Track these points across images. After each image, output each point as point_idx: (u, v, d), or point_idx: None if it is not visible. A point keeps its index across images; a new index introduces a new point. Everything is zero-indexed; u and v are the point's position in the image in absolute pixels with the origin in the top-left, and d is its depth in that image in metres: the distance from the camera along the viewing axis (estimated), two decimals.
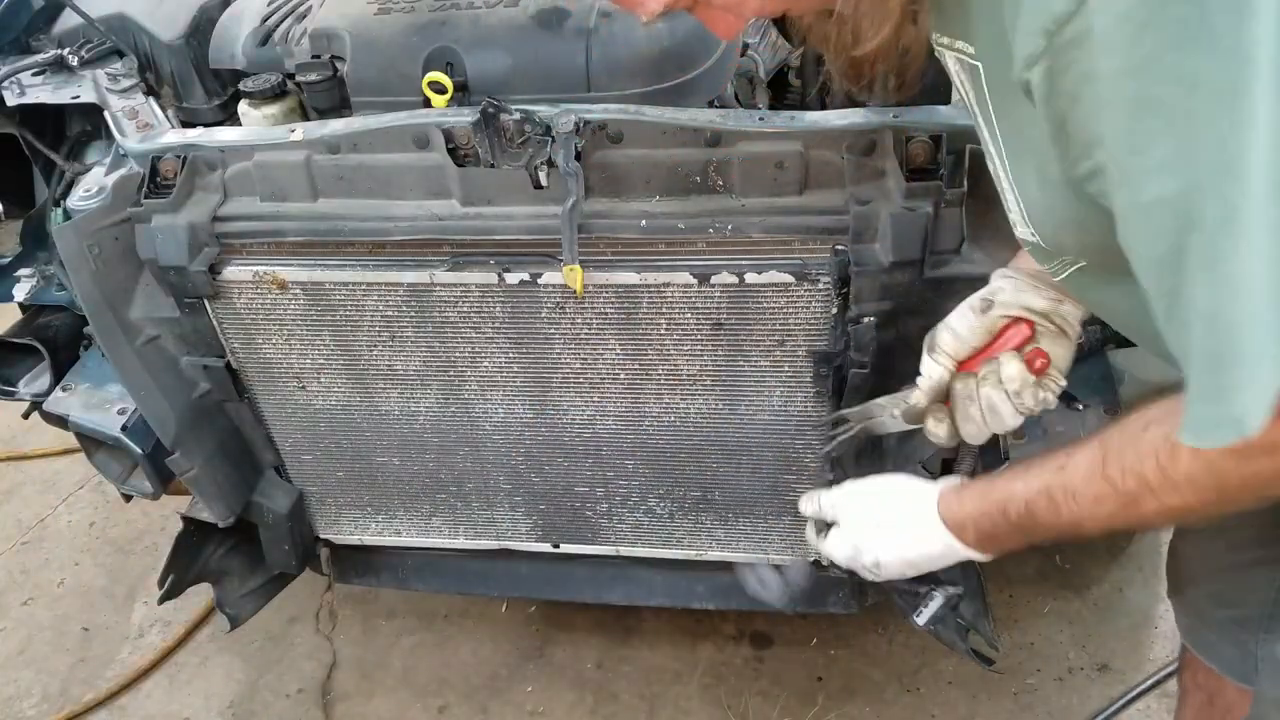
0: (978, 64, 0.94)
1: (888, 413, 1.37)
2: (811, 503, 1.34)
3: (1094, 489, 0.95)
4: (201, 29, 1.78)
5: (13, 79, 1.83)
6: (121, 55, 1.84)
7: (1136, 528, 1.04)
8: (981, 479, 1.18)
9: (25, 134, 1.93)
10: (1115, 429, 0.95)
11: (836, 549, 1.29)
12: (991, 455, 1.50)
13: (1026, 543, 1.09)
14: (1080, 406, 1.48)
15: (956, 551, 1.16)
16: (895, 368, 1.50)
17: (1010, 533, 1.09)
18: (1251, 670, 1.41)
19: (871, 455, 1.64)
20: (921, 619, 1.55)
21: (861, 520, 1.27)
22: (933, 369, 1.27)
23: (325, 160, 1.51)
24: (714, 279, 1.48)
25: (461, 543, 2.02)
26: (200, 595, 2.47)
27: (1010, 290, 1.23)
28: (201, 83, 1.79)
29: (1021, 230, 1.04)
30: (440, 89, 1.47)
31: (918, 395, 1.30)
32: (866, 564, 1.25)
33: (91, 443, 1.88)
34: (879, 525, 1.24)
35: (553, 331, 1.61)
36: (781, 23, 1.99)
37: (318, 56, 1.59)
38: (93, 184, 1.68)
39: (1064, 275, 1.07)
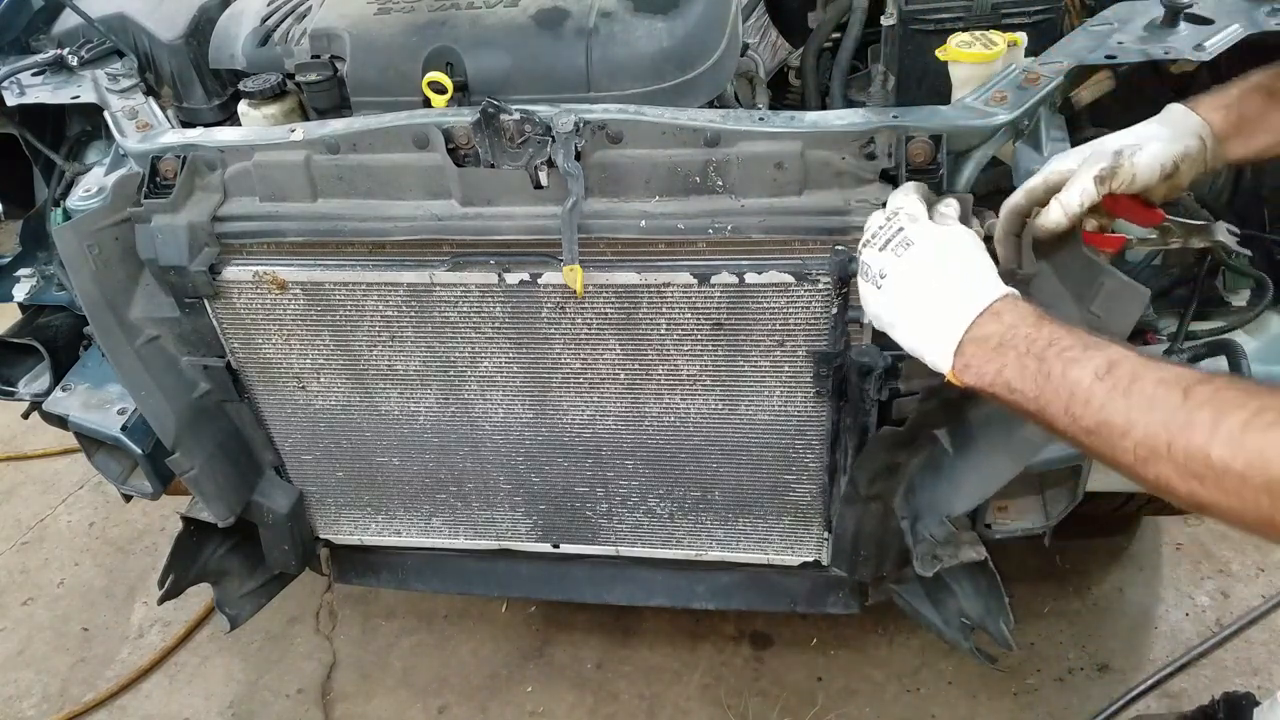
0: None
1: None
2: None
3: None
4: (201, 29, 1.78)
5: (13, 79, 1.83)
6: (121, 55, 1.84)
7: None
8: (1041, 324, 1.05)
9: (25, 134, 1.93)
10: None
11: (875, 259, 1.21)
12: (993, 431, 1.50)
13: (1003, 399, 1.03)
14: None
15: (950, 339, 1.08)
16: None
17: (1002, 384, 1.03)
18: None
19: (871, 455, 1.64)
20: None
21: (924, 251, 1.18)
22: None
23: (325, 160, 1.51)
24: (714, 279, 1.48)
25: (461, 543, 2.02)
26: (200, 595, 2.47)
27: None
28: (201, 83, 1.80)
29: None
30: (440, 89, 1.47)
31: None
32: (881, 272, 1.19)
33: (91, 443, 1.88)
34: (928, 262, 1.16)
35: (553, 331, 1.60)
36: (781, 22, 2.00)
37: (318, 56, 1.59)
38: (93, 184, 1.68)
39: None
